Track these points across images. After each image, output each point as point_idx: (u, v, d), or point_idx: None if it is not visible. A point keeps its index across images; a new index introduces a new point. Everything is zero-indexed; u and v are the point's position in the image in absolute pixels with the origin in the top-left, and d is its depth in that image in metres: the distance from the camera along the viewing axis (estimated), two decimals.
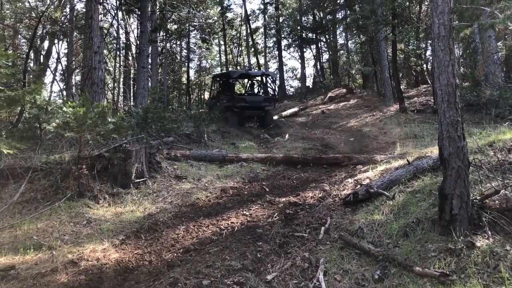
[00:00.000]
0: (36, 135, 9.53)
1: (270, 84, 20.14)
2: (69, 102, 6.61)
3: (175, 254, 4.95)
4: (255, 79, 20.70)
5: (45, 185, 6.72)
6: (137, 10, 15.03)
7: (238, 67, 35.90)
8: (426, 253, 4.06)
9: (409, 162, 6.70)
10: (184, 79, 34.59)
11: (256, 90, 20.82)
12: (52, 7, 20.83)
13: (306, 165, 9.67)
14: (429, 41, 19.72)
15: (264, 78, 20.33)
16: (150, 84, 19.58)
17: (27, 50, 20.37)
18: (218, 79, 20.63)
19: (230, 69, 34.50)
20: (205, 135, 13.15)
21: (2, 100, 4.25)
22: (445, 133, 4.30)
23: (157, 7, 16.32)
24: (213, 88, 20.88)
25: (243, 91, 23.76)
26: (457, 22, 7.44)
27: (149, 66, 18.96)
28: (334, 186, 7.36)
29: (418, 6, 22.71)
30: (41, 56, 24.07)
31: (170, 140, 11.92)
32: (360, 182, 7.00)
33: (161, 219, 6.14)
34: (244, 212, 6.29)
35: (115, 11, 22.16)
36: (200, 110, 19.45)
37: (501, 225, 4.16)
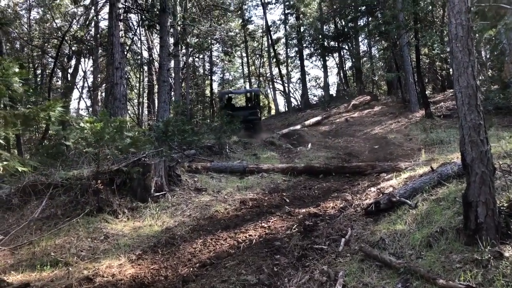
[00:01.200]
0: (61, 151, 9.69)
1: (255, 99, 21.95)
2: (86, 118, 6.67)
3: (191, 269, 4.86)
4: (244, 96, 24.42)
5: (65, 201, 6.77)
6: (157, 25, 15.16)
7: (261, 78, 36.11)
8: (450, 264, 3.83)
9: (433, 169, 6.46)
10: (207, 92, 34.84)
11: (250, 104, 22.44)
12: (76, 25, 21.45)
13: (328, 175, 9.48)
14: None
15: (249, 95, 23.22)
16: (173, 98, 19.77)
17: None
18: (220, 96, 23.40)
19: (253, 80, 35.13)
20: (227, 147, 13.10)
21: (15, 117, 4.27)
22: (466, 137, 4.08)
23: (177, 22, 16.45)
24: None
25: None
26: (474, 23, 7.19)
27: (172, 81, 19.15)
28: (356, 196, 7.17)
29: (441, 10, 22.28)
30: (68, 74, 24.77)
31: (192, 152, 11.92)
32: (383, 191, 6.80)
33: (178, 233, 6.08)
34: (263, 224, 6.15)
35: (136, 28, 22.65)
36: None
37: None
